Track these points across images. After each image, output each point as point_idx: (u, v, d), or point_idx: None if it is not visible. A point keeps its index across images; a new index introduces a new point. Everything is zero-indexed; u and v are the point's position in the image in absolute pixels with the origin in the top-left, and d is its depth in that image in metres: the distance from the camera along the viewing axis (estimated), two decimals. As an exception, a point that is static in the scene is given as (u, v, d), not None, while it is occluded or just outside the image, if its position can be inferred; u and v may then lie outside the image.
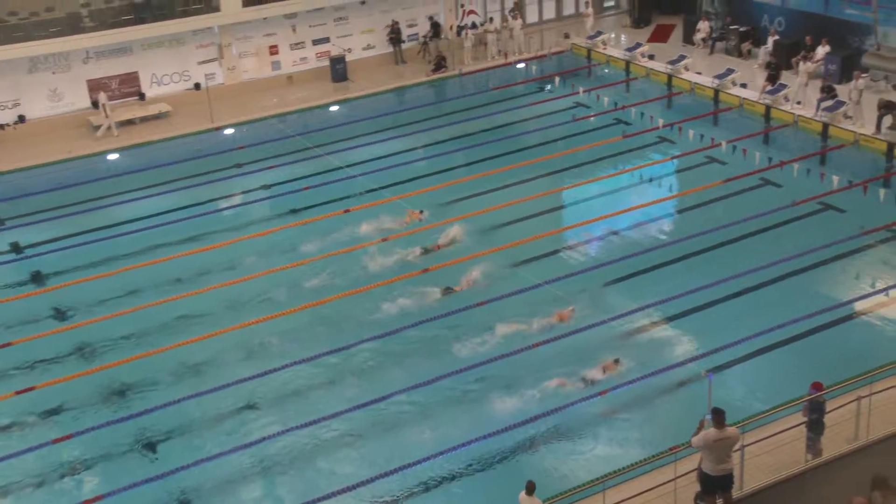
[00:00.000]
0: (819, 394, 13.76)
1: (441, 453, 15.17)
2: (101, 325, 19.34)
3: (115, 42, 29.70)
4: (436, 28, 33.92)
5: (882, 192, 22.40)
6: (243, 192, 25.56)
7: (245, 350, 18.38)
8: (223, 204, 24.95)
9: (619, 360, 17.03)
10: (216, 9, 30.61)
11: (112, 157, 27.98)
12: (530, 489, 12.93)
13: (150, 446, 15.99)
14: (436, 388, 16.80)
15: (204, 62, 31.81)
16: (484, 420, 15.89)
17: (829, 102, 26.11)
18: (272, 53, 32.81)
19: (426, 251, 21.29)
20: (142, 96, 30.93)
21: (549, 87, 31.63)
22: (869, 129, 25.08)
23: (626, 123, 28.16)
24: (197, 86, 31.68)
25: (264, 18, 31.85)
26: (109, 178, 26.62)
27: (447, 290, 19.61)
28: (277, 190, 25.40)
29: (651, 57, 32.12)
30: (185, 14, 30.29)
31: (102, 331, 19.14)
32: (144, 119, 30.03)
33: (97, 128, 29.16)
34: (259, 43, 32.49)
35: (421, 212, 22.66)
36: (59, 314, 20.01)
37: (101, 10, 29.28)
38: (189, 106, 30.76)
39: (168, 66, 31.32)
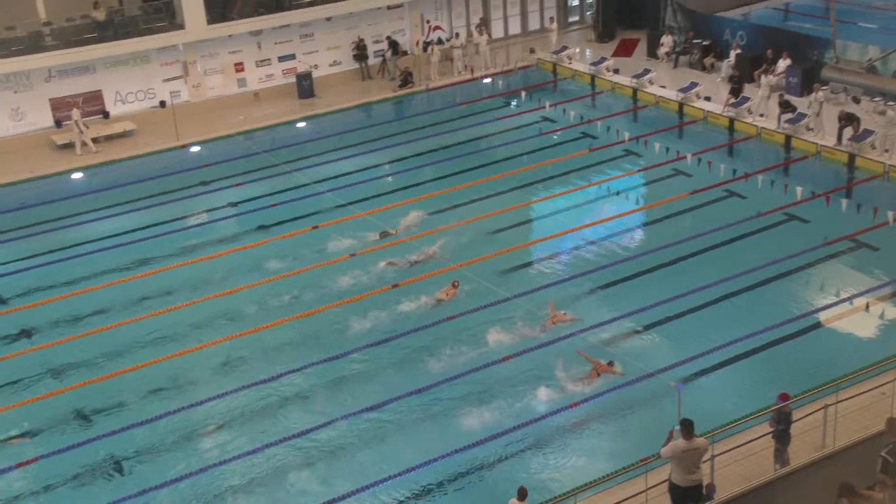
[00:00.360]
0: (784, 404, 13.88)
1: (410, 470, 15.09)
2: (67, 346, 19.08)
3: (77, 60, 29.47)
4: (394, 46, 33.92)
5: (844, 202, 22.71)
6: (210, 210, 25.38)
7: (213, 369, 18.22)
8: (190, 222, 24.76)
9: (614, 363, 17.16)
10: (181, 26, 30.49)
11: (76, 176, 27.70)
12: (522, 495, 12.94)
13: (118, 468, 15.77)
14: (406, 403, 16.77)
15: (169, 80, 31.63)
16: (454, 434, 15.87)
17: (791, 115, 26.49)
18: (238, 70, 32.70)
19: (393, 263, 21.30)
20: (106, 115, 30.67)
21: (515, 101, 31.80)
22: (830, 141, 25.46)
23: (593, 137, 28.35)
24: (162, 103, 31.48)
25: (229, 36, 31.76)
26: (74, 197, 26.34)
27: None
28: (245, 207, 25.25)
29: (616, 71, 32.41)
30: (150, 32, 30.14)
31: (68, 352, 18.88)
32: (109, 137, 29.76)
33: (70, 145, 28.88)
34: (224, 60, 32.37)
35: (395, 230, 22.50)
36: (24, 334, 19.72)
37: (63, 28, 29.07)
38: (154, 124, 30.54)
39: (132, 83, 31.10)
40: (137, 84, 31.18)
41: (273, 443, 15.97)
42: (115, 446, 16.19)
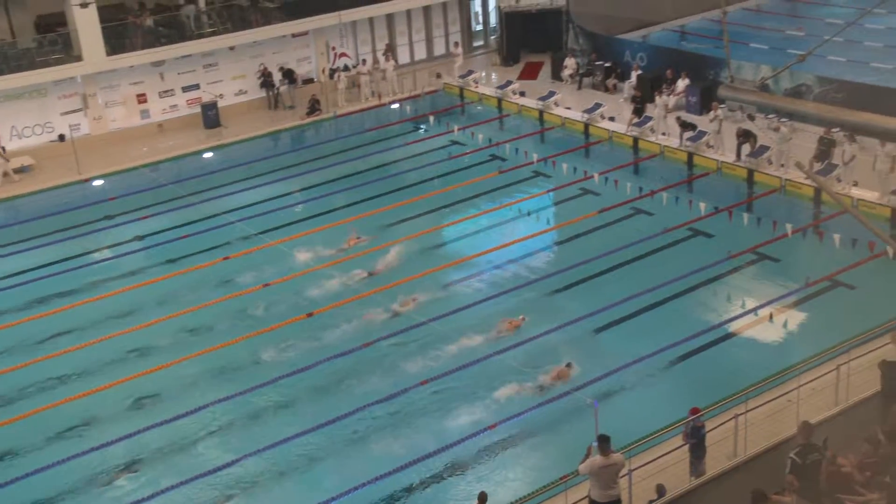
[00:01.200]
0: (692, 418, 14.16)
1: (332, 499, 14.94)
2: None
3: (-30, 94, 28.53)
4: (289, 75, 33.74)
5: (745, 216, 23.43)
6: (115, 245, 24.72)
7: (125, 407, 17.75)
8: (95, 257, 24.08)
9: (572, 364, 17.45)
10: (78, 58, 29.74)
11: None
12: (482, 500, 12.91)
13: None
14: (325, 432, 16.60)
15: (68, 113, 30.80)
16: (374, 460, 15.76)
17: (692, 133, 27.28)
18: (140, 102, 32.06)
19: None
20: (2, 150, 29.65)
21: (424, 126, 31.96)
22: (730, 157, 26.29)
23: (502, 159, 28.67)
24: (61, 137, 30.62)
25: (130, 67, 31.13)
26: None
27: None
28: (152, 240, 24.71)
29: (522, 94, 32.89)
30: (46, 64, 29.32)
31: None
32: (5, 173, 28.77)
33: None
34: (126, 91, 31.70)
35: (358, 238, 22.61)
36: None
37: (-46, 61, 28.15)
38: (54, 158, 29.68)
39: (29, 117, 30.19)
40: (34, 118, 30.28)
41: (189, 479, 15.58)
42: (21, 495, 15.54)
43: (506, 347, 18.67)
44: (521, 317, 19.35)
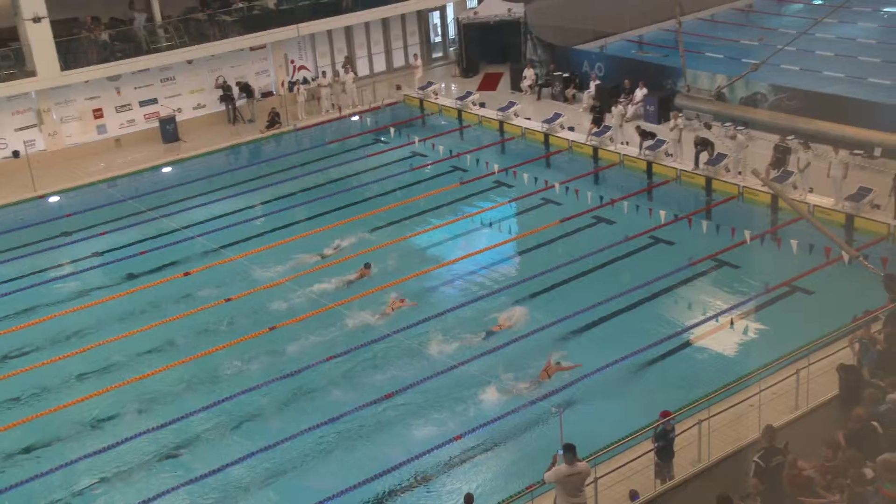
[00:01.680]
0: (663, 421, 14.27)
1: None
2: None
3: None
4: (247, 89, 33.56)
5: (704, 223, 23.68)
6: (74, 261, 24.38)
7: (88, 425, 17.51)
8: (52, 274, 23.70)
9: (560, 363, 17.62)
10: (32, 73, 29.33)
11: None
12: (469, 501, 13.05)
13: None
14: (292, 446, 16.46)
15: (22, 129, 30.35)
16: (341, 472, 15.68)
17: (651, 142, 27.55)
18: (97, 117, 31.69)
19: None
20: (-44, 167, 29.23)
21: (385, 138, 31.94)
22: (688, 165, 26.58)
23: (463, 170, 28.73)
24: (15, 153, 30.16)
25: (86, 81, 30.77)
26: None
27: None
28: (111, 256, 24.39)
29: (482, 105, 33.03)
30: (-3, 80, 28.95)
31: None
32: (-42, 191, 28.36)
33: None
34: (82, 107, 31.33)
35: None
36: None
37: None
38: (8, 175, 29.21)
39: (-18, 133, 29.78)
40: (-13, 134, 29.87)
41: (150, 498, 15.38)
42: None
43: (471, 357, 18.65)
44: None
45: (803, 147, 24.21)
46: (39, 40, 29.10)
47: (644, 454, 14.51)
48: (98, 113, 31.65)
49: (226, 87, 33.21)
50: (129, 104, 32.18)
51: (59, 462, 16.42)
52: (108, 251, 24.70)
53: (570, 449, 12.93)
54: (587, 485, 13.29)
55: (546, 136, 30.18)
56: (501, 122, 31.64)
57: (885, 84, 30.89)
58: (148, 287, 22.44)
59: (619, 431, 15.47)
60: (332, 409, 17.38)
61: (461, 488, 15.26)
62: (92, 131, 31.60)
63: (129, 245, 24.85)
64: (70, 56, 30.05)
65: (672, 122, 27.13)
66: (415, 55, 36.75)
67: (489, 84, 36.13)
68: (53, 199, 28.26)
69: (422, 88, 34.82)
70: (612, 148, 28.52)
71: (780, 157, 24.81)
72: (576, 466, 12.92)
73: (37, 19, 28.79)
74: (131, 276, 23.15)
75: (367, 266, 22.09)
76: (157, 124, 32.11)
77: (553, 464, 13.13)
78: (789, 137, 25.53)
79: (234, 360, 19.11)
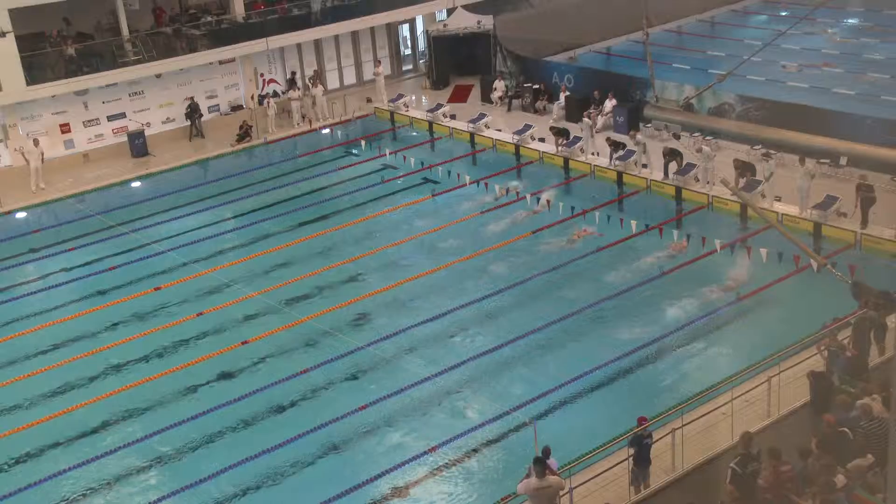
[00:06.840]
0: (641, 428, 14.32)
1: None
2: None
3: None
4: (196, 108, 33.27)
5: (675, 233, 23.84)
6: (42, 278, 24.11)
7: (53, 442, 17.29)
8: (19, 291, 23.44)
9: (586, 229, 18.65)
10: (-4, 88, 29.04)
11: None
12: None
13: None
14: (260, 462, 16.35)
15: (-13, 144, 30.03)
16: (313, 491, 15.55)
17: (621, 152, 27.74)
18: (64, 132, 31.37)
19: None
20: (-80, 183, 28.81)
21: (356, 151, 31.91)
22: (658, 175, 26.78)
23: (435, 182, 28.75)
24: (-16, 168, 29.83)
25: (52, 96, 30.47)
26: None
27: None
28: (80, 272, 24.14)
29: (453, 117, 33.09)
30: (-39, 96, 28.60)
31: None
32: (-77, 208, 27.93)
33: None
34: (48, 122, 31.01)
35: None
36: None
37: None
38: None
39: (-53, 149, 29.38)
40: (-48, 150, 29.48)
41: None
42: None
43: (443, 370, 18.65)
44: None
45: (765, 158, 24.47)
46: (4, 55, 28.73)
47: (619, 464, 14.55)
48: (65, 127, 31.32)
49: (194, 107, 32.95)
50: (97, 119, 31.90)
51: (28, 481, 16.22)
52: (77, 267, 24.45)
53: (538, 462, 12.95)
54: (562, 495, 13.31)
55: (517, 147, 30.26)
56: (472, 134, 31.71)
57: (849, 94, 31.40)
58: (118, 303, 22.24)
59: (593, 442, 15.51)
60: (305, 422, 17.29)
61: (436, 500, 15.25)
62: (59, 146, 31.25)
63: (99, 260, 24.61)
64: (36, 70, 29.76)
65: (632, 142, 27.32)
66: (378, 62, 36.39)
67: (459, 96, 36.21)
68: (20, 214, 27.96)
69: (392, 101, 34.82)
70: (582, 158, 28.66)
71: (740, 171, 24.95)
72: (546, 480, 12.93)
73: (2, 34, 28.45)
74: (101, 292, 22.92)
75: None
76: (125, 139, 31.83)
77: (528, 475, 13.13)
78: (755, 147, 25.91)
79: (207, 374, 18.95)
